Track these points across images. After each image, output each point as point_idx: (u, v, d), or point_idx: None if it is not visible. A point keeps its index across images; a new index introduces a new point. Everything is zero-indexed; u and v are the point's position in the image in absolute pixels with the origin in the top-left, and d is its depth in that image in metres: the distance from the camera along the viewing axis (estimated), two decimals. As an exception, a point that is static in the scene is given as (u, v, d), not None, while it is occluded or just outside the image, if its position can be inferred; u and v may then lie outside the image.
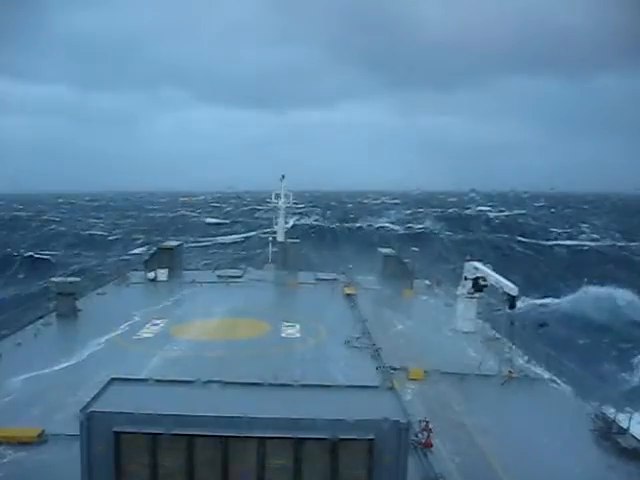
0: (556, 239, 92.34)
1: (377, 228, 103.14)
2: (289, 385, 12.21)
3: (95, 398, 10.95)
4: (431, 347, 23.54)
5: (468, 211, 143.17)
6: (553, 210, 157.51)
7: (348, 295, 33.58)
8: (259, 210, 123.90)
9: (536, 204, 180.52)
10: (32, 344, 23.34)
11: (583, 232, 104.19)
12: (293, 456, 10.22)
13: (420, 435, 14.78)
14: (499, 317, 24.65)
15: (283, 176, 43.49)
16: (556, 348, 23.44)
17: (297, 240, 46.31)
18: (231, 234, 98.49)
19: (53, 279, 30.12)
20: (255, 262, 53.69)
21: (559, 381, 20.50)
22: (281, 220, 44.13)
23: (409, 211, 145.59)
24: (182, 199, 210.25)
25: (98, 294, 33.14)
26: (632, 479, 13.96)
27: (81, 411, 10.32)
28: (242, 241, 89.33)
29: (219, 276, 38.92)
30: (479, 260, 25.76)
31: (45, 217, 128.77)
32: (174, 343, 23.51)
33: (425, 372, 20.20)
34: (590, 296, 47.28)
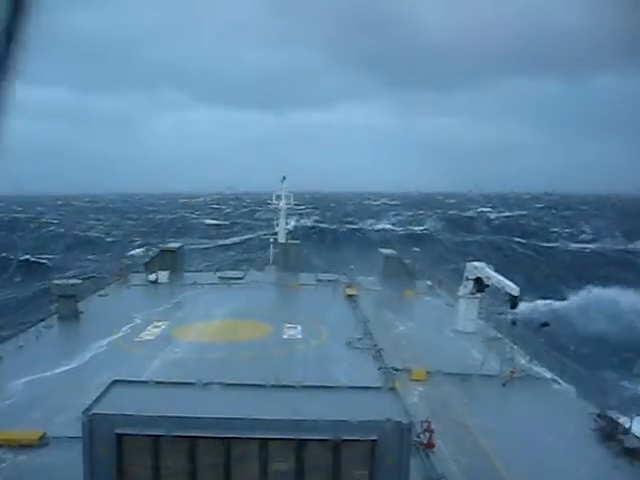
0: (557, 240, 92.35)
1: (377, 229, 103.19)
2: (291, 386, 12.20)
3: (97, 400, 10.94)
4: (433, 348, 23.53)
5: (469, 212, 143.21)
6: (554, 211, 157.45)
7: (349, 296, 33.56)
8: (258, 211, 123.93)
9: (537, 205, 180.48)
10: (34, 346, 23.31)
11: (584, 232, 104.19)
12: (295, 457, 10.20)
13: (422, 436, 14.74)
14: (501, 317, 24.64)
15: (284, 177, 43.58)
16: (557, 352, 23.38)
17: (298, 241, 46.33)
18: (231, 236, 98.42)
19: (54, 281, 30.10)
20: (256, 263, 53.65)
21: (561, 381, 20.47)
22: (282, 221, 44.16)
23: (409, 212, 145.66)
24: (182, 201, 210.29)
25: (99, 296, 33.13)
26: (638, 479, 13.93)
27: (83, 413, 10.32)
28: (241, 242, 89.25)
29: (220, 278, 38.91)
30: (480, 261, 25.77)
31: (44, 219, 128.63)
32: (176, 345, 23.49)
33: (427, 373, 20.18)
34: (593, 298, 47.07)
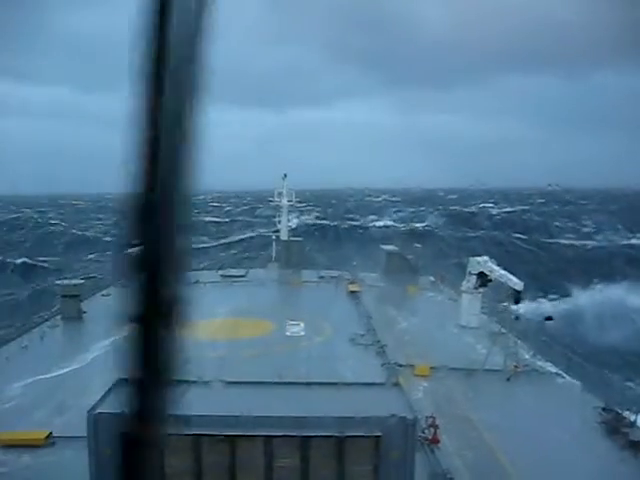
0: (559, 235, 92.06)
1: (379, 226, 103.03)
2: (295, 383, 12.20)
3: (102, 399, 10.93)
4: (436, 343, 23.49)
5: (471, 208, 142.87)
6: (556, 206, 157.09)
7: (352, 292, 33.54)
8: (259, 208, 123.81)
9: (539, 200, 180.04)
10: (38, 347, 23.35)
11: (586, 226, 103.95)
12: (300, 454, 10.19)
13: (427, 431, 14.76)
14: (504, 312, 24.58)
15: (285, 175, 43.53)
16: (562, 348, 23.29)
17: (300, 239, 46.28)
18: (231, 234, 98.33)
19: (58, 282, 30.14)
20: (258, 261, 53.61)
21: (565, 375, 20.44)
22: (284, 219, 44.11)
23: (411, 209, 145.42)
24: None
25: (102, 295, 33.15)
26: None
27: (88, 412, 10.31)
28: (242, 240, 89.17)
29: (222, 276, 38.89)
30: (482, 255, 25.72)
31: (44, 219, 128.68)
32: None
33: (431, 368, 20.16)
34: (598, 295, 46.61)
